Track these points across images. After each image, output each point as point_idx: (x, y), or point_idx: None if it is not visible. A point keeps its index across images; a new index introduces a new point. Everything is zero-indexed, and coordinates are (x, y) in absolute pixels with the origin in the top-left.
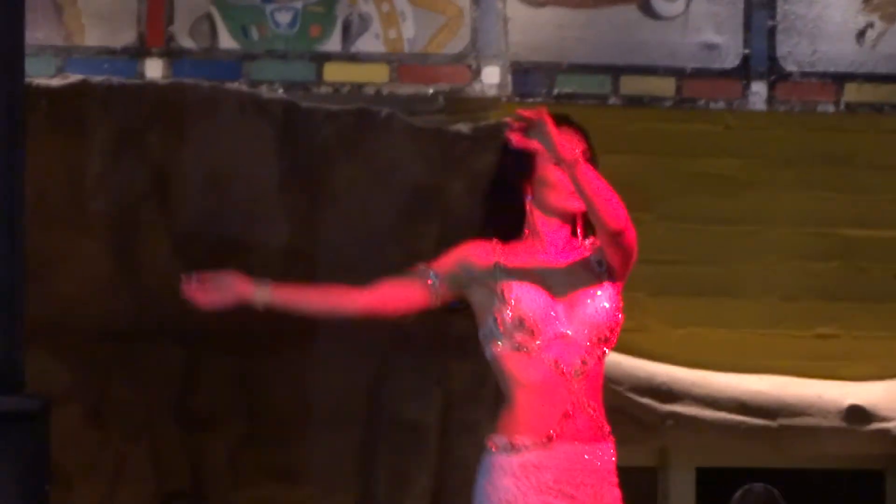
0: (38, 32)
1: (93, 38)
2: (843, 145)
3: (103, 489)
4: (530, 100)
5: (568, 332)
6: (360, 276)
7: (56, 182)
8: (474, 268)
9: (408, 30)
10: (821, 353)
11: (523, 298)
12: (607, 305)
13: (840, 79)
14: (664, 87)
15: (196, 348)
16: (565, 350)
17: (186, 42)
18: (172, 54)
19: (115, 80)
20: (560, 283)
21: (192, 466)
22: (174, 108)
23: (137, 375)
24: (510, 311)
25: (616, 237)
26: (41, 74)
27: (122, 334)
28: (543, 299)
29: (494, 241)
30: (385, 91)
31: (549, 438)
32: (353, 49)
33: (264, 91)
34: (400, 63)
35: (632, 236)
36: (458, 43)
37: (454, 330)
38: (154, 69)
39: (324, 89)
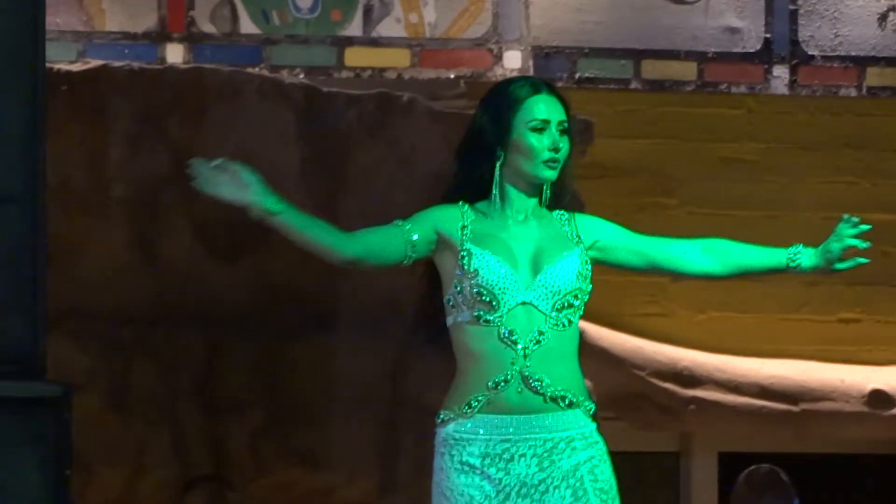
0: (58, 17)
1: (113, 23)
2: (865, 129)
3: (125, 475)
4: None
5: (531, 300)
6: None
7: (77, 167)
8: (445, 232)
9: (429, 14)
10: (843, 338)
11: (484, 269)
12: (573, 272)
13: (862, 62)
14: (686, 71)
15: (217, 333)
16: (524, 320)
17: (207, 27)
18: (193, 39)
19: (136, 65)
20: (526, 249)
21: (213, 452)
22: (195, 93)
23: (159, 361)
24: (470, 281)
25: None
26: (62, 59)
27: (143, 320)
28: (506, 269)
29: (462, 203)
30: (406, 76)
31: (470, 407)
32: (375, 34)
33: (285, 76)
34: (421, 48)
35: None
36: (479, 27)
37: None
38: (175, 54)
39: (345, 74)
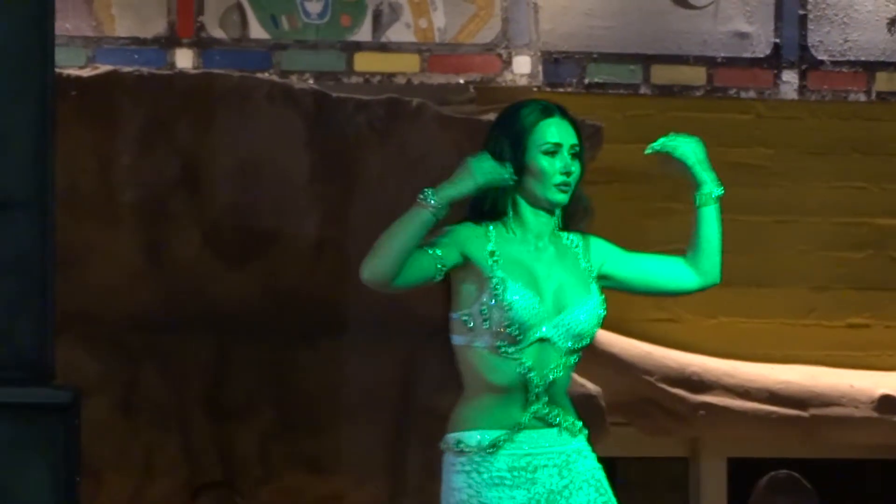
0: (67, 23)
1: (123, 28)
2: (875, 134)
3: (134, 480)
4: (561, 89)
5: (550, 337)
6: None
7: (86, 172)
8: (471, 255)
9: (438, 19)
10: (852, 343)
11: (517, 303)
12: (593, 310)
13: (871, 68)
14: (695, 76)
15: (226, 339)
16: (541, 357)
17: (216, 32)
18: (202, 44)
19: (145, 70)
20: (549, 282)
21: (222, 457)
22: (204, 98)
23: (168, 366)
24: (502, 312)
25: (703, 281)
26: (71, 64)
27: (152, 325)
28: (536, 304)
29: (487, 223)
30: (416, 81)
31: (494, 447)
32: (384, 39)
33: (294, 81)
34: (431, 53)
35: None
36: (488, 32)
37: None
38: (184, 59)
39: (354, 79)
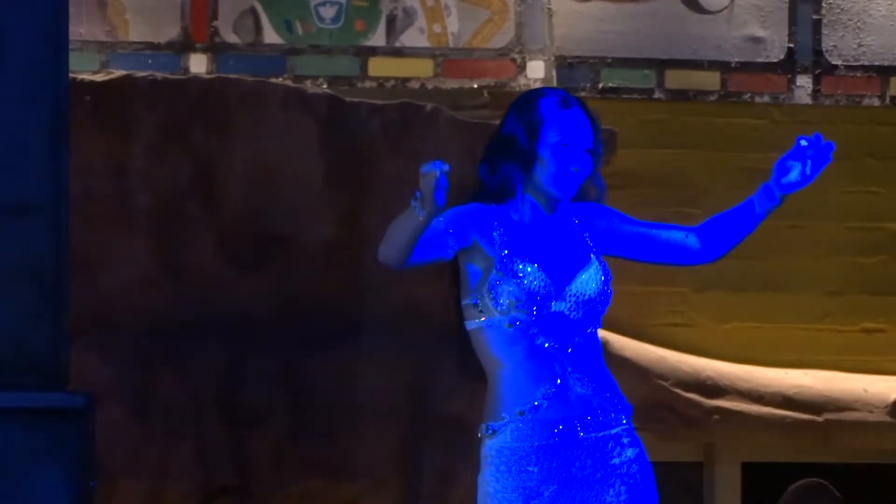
0: (81, 28)
1: (136, 33)
2: (889, 139)
3: (148, 485)
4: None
5: (561, 310)
6: (404, 272)
7: (100, 178)
8: (478, 233)
9: (452, 24)
10: (867, 348)
11: (523, 276)
12: (600, 280)
13: (885, 72)
14: (709, 81)
15: (240, 344)
16: (557, 328)
17: (230, 37)
18: (216, 49)
19: (159, 75)
20: (554, 257)
21: (237, 462)
22: (218, 103)
23: (182, 371)
24: (509, 288)
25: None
26: (85, 70)
27: (166, 330)
28: (542, 276)
29: (491, 204)
30: (430, 86)
31: (522, 414)
32: (398, 44)
33: (308, 86)
34: (444, 57)
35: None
36: (502, 37)
37: None
38: (198, 64)
39: (368, 84)
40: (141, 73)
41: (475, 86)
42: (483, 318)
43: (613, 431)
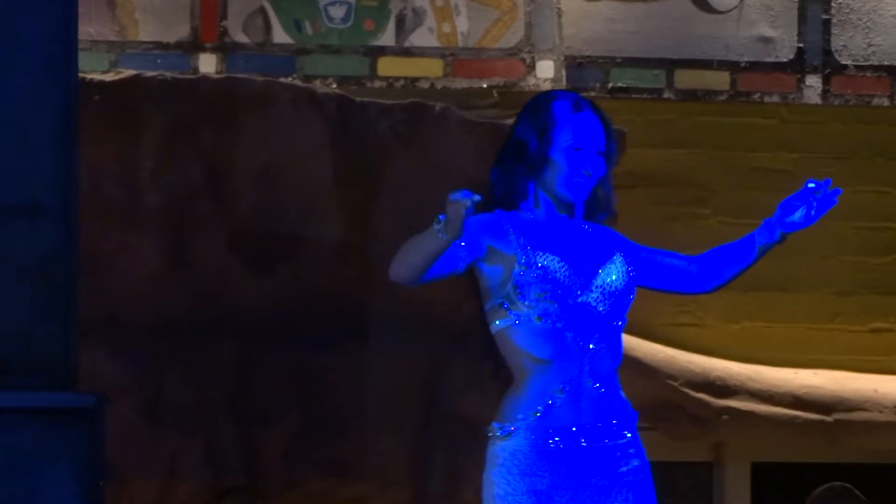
0: (91, 27)
1: (146, 32)
2: None
3: (158, 485)
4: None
5: (588, 300)
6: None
7: (109, 177)
8: (493, 239)
9: (462, 24)
10: (876, 348)
11: (548, 264)
12: (626, 272)
13: (895, 72)
14: (719, 80)
15: (251, 343)
16: (583, 320)
17: (240, 37)
18: (226, 49)
19: (169, 74)
20: (576, 250)
21: (246, 462)
22: (227, 102)
23: (192, 371)
24: (534, 279)
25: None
26: (95, 69)
27: (176, 329)
28: (565, 267)
29: (499, 211)
30: (439, 85)
31: (538, 413)
32: (407, 43)
33: (318, 86)
34: (454, 57)
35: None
36: (512, 37)
37: None
38: (207, 64)
39: (377, 84)
40: (150, 73)
41: (484, 85)
42: (511, 316)
43: (620, 442)
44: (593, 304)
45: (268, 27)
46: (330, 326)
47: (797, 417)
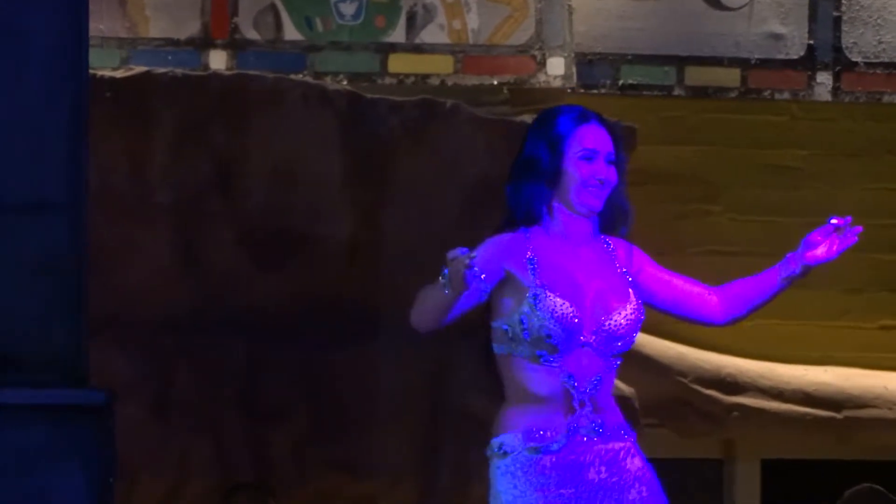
0: (101, 24)
1: (157, 29)
2: None
3: (168, 482)
4: (595, 91)
5: (591, 342)
6: (425, 268)
7: (120, 174)
8: (511, 266)
9: (472, 21)
10: (886, 345)
11: (555, 312)
12: (632, 316)
13: None
14: (729, 77)
15: (260, 341)
16: (582, 364)
17: (251, 33)
18: (236, 46)
19: (179, 71)
20: (587, 285)
21: (256, 459)
22: (238, 99)
23: (201, 368)
24: (540, 323)
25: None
26: (105, 66)
27: (185, 327)
28: (574, 314)
29: (521, 230)
30: (450, 82)
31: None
32: (418, 40)
33: (328, 83)
34: (464, 54)
35: None
36: (522, 34)
37: None
38: (218, 61)
39: (388, 81)
40: (161, 70)
41: (495, 82)
42: (511, 346)
43: (622, 444)
44: (595, 345)
45: (278, 24)
46: (339, 324)
47: (807, 414)
